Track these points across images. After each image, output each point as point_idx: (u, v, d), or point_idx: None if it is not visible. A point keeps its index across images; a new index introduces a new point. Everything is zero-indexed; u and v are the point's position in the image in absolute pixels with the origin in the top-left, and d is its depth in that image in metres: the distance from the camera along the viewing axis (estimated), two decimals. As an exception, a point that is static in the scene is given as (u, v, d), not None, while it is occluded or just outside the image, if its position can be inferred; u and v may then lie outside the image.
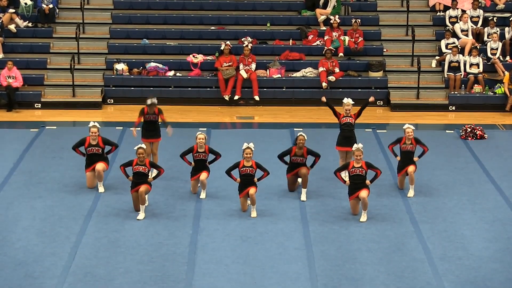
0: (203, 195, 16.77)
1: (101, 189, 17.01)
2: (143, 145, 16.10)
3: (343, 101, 17.77)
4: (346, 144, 17.52)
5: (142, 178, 15.89)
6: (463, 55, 24.32)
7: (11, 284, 13.15)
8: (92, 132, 16.94)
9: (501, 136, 21.48)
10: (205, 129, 21.07)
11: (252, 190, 15.91)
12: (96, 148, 17.00)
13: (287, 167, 17.08)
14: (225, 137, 20.91)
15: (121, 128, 21.30)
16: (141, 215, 15.74)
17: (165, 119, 18.07)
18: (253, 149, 16.06)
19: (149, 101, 17.89)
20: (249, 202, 16.06)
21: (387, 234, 15.20)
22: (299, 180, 17.05)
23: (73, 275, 13.49)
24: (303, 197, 16.69)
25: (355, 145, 16.10)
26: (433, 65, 24.81)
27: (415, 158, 17.04)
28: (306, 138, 16.76)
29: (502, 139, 21.04)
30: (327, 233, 15.10)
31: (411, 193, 16.98)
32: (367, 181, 15.88)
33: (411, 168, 16.93)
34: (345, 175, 16.24)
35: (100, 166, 17.00)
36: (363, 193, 15.77)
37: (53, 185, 17.06)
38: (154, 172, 16.46)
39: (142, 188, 15.74)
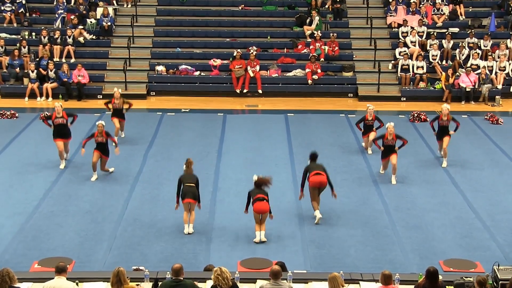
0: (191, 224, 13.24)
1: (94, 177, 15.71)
2: (103, 122, 15.68)
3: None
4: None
5: (102, 147, 15.56)
6: (412, 60, 24.14)
7: (81, 227, 13.21)
8: (57, 108, 16.41)
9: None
10: (222, 114, 21.03)
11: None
12: (61, 119, 16.37)
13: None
14: (237, 120, 20.82)
15: (160, 113, 21.25)
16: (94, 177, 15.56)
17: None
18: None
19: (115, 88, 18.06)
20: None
21: (355, 192, 15.15)
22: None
23: (125, 221, 13.52)
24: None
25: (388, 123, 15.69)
26: (390, 67, 24.62)
27: (451, 132, 16.67)
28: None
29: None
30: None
31: (444, 163, 16.66)
32: (396, 148, 15.62)
33: (445, 144, 16.54)
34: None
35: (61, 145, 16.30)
36: (394, 159, 15.48)
37: (111, 155, 16.71)
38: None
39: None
